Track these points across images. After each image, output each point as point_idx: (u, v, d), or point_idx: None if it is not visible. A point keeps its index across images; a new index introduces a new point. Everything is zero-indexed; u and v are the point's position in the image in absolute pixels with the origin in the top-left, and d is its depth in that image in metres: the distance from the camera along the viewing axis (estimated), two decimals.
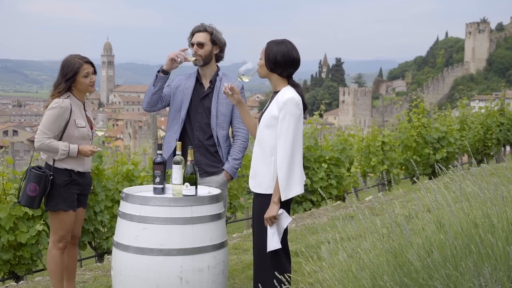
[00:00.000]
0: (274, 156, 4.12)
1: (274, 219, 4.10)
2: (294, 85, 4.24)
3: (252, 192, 4.31)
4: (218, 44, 4.99)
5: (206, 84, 5.06)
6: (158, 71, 4.89)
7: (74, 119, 4.80)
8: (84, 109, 4.97)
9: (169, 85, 5.10)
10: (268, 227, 4.12)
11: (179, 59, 4.80)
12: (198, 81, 5.07)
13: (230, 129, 5.15)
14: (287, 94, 4.13)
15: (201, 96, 5.03)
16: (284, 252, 4.23)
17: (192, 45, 4.97)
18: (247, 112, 4.52)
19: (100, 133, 4.97)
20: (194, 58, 4.88)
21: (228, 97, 4.44)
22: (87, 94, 4.97)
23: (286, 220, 4.15)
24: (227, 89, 4.38)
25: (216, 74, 5.05)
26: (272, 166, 4.13)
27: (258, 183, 4.21)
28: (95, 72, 4.90)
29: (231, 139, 5.16)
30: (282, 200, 4.10)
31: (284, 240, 4.23)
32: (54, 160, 4.78)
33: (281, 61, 4.15)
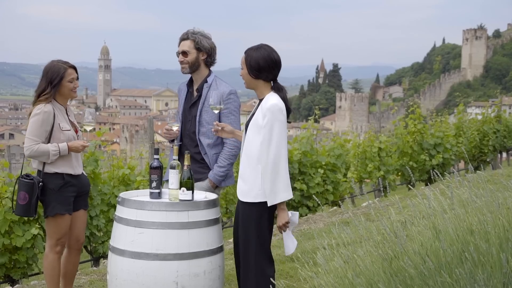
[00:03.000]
0: (261, 164, 4.11)
1: (288, 224, 4.15)
2: (279, 89, 4.23)
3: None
4: (203, 51, 4.97)
5: (195, 92, 5.07)
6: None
7: (59, 123, 4.80)
8: (67, 113, 4.96)
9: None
10: (284, 233, 4.17)
11: (175, 138, 5.00)
12: (189, 89, 5.10)
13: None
14: (271, 100, 4.12)
15: (190, 105, 5.05)
16: (268, 259, 4.24)
17: (178, 54, 4.98)
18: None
19: (88, 128, 4.93)
20: (176, 127, 4.93)
21: (221, 135, 4.53)
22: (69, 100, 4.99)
23: (295, 216, 4.20)
24: (216, 128, 4.47)
25: (205, 81, 5.01)
26: (259, 174, 4.12)
27: (247, 192, 4.18)
28: (77, 78, 4.91)
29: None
30: (268, 205, 4.10)
31: (267, 247, 4.25)
32: (44, 166, 4.78)
33: (264, 65, 4.14)
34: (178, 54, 4.99)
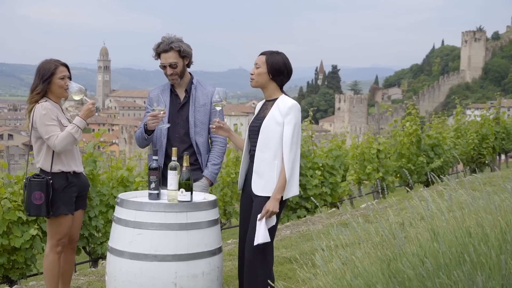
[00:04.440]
0: (277, 160, 4.32)
1: (273, 214, 4.28)
2: (286, 94, 4.50)
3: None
4: (187, 56, 4.97)
5: (182, 94, 5.06)
6: (145, 131, 4.91)
7: (60, 119, 4.82)
8: (63, 112, 4.98)
9: (150, 110, 4.99)
10: (262, 221, 4.25)
11: (161, 124, 4.87)
12: (173, 92, 5.07)
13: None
14: (289, 101, 4.39)
15: (178, 107, 5.03)
16: (271, 246, 4.45)
17: (164, 67, 4.93)
18: (237, 137, 4.74)
19: (77, 98, 4.90)
20: (162, 110, 4.80)
21: (219, 132, 4.63)
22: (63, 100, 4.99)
23: (274, 220, 4.35)
24: (216, 124, 4.59)
25: (191, 83, 5.05)
26: (275, 169, 4.33)
27: (263, 186, 4.36)
28: (70, 78, 4.91)
29: (210, 146, 5.16)
30: (283, 199, 4.31)
31: (272, 238, 4.40)
32: (51, 165, 4.79)
33: (283, 69, 4.41)
34: (163, 66, 4.94)
